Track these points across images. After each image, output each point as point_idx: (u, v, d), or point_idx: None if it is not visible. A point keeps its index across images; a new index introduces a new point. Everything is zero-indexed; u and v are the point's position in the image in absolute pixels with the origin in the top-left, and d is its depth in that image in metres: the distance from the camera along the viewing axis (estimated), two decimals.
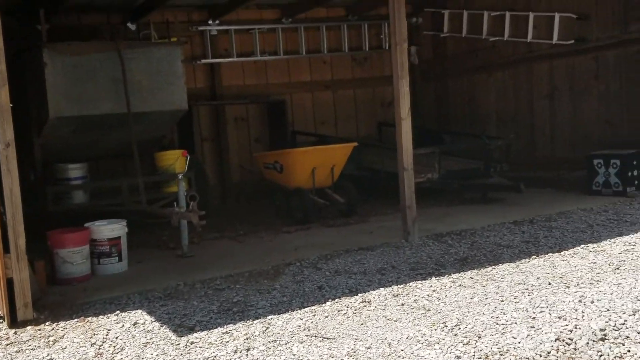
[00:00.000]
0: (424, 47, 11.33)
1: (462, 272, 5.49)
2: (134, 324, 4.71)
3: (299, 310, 4.84)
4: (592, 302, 4.40)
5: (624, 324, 4.01)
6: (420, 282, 5.34)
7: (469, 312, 4.50)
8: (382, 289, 5.22)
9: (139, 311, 4.99)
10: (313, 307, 4.89)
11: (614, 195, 7.98)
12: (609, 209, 7.39)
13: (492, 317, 4.34)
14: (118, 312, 5.01)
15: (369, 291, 5.19)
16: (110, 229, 5.94)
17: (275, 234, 7.58)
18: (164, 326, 4.62)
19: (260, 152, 9.48)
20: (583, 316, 4.19)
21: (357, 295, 5.12)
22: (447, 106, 11.11)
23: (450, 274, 5.47)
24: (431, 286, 5.20)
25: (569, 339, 3.79)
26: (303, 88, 10.73)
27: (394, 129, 6.91)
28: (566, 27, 8.84)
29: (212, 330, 4.48)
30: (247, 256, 6.56)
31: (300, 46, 10.40)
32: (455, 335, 4.05)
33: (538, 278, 5.13)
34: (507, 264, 5.66)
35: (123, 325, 4.71)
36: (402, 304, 4.83)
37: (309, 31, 10.48)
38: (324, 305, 4.93)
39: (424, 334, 4.10)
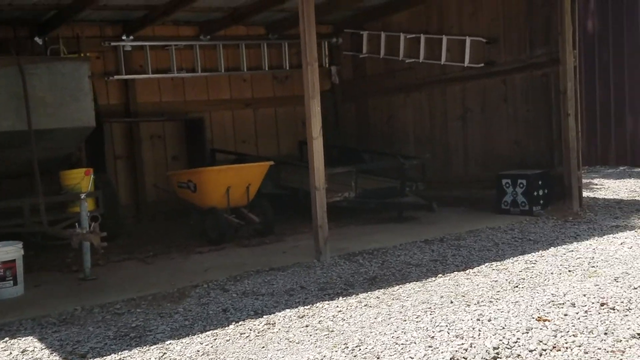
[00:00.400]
0: (344, 67, 11.46)
1: (369, 292, 5.50)
2: (22, 352, 4.47)
3: (200, 335, 4.72)
4: (490, 320, 4.48)
5: (516, 342, 4.09)
6: (327, 302, 5.31)
7: (371, 332, 4.50)
8: (288, 310, 5.16)
9: (30, 338, 4.74)
10: (215, 331, 4.78)
11: (521, 214, 8.22)
12: (515, 227, 7.60)
13: (393, 337, 4.35)
14: (7, 338, 4.74)
15: (274, 313, 5.12)
16: (5, 252, 5.65)
17: (187, 255, 7.41)
18: (54, 354, 4.40)
19: (178, 170, 9.30)
20: (479, 334, 4.25)
21: (262, 317, 5.04)
22: (367, 125, 11.24)
23: (357, 294, 5.46)
24: (337, 306, 5.18)
25: (463, 357, 3.83)
26: (223, 106, 10.63)
27: None
28: (477, 51, 9.11)
29: (105, 357, 4.30)
30: (154, 278, 6.37)
31: (219, 64, 10.31)
32: (355, 356, 4.03)
33: (442, 297, 5.19)
34: (414, 283, 5.71)
35: (11, 353, 4.46)
36: (307, 326, 4.78)
37: (228, 49, 10.41)
38: (226, 328, 4.82)
39: (324, 356, 4.06)
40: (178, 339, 4.63)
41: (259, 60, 10.72)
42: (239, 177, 7.94)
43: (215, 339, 4.60)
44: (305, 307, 5.22)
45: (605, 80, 12.18)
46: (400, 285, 5.65)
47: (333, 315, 4.97)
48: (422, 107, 10.20)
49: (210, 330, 4.80)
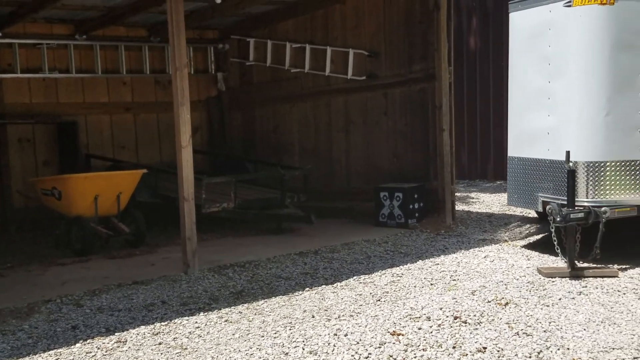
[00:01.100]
0: (231, 74, 11.27)
1: (233, 307, 5.33)
2: None
3: (42, 354, 4.39)
4: (346, 335, 4.43)
5: (368, 357, 4.06)
6: (187, 318, 5.10)
7: (225, 349, 4.34)
8: (143, 327, 4.91)
9: None
10: (60, 350, 4.46)
11: (397, 226, 8.33)
12: (389, 240, 7.67)
13: (247, 354, 4.21)
14: None
15: (128, 330, 4.85)
16: None
17: (47, 267, 6.96)
18: None
19: (48, 176, 8.76)
20: (333, 350, 4.20)
21: (113, 334, 4.76)
22: (253, 134, 11.09)
23: (220, 309, 5.28)
24: (197, 322, 4.98)
25: None
26: (100, 109, 10.15)
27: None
28: (360, 63, 9.19)
29: None
30: (4, 293, 5.91)
31: (96, 65, 9.84)
32: None
33: (305, 311, 5.11)
34: (281, 297, 5.60)
35: None
36: (160, 343, 4.55)
37: (107, 50, 9.97)
38: (72, 347, 4.51)
39: None
40: (18, 358, 4.29)
41: (140, 63, 10.33)
42: (108, 185, 7.56)
43: (57, 359, 4.29)
44: (163, 323, 4.98)
45: (485, 96, 12.66)
46: (266, 300, 5.52)
47: (190, 332, 4.77)
48: (307, 117, 10.17)
49: (55, 349, 4.48)
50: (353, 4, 9.24)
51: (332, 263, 6.72)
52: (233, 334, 4.67)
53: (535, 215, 8.29)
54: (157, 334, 4.76)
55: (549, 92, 6.17)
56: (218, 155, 10.91)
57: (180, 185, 6.38)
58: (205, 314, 5.18)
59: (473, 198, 10.77)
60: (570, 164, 5.66)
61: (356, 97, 9.42)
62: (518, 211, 9.07)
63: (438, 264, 6.45)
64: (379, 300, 5.33)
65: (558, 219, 5.55)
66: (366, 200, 8.99)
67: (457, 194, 10.90)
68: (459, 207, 9.81)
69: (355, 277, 6.09)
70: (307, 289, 5.79)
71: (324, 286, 5.86)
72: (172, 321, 5.03)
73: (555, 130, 6.13)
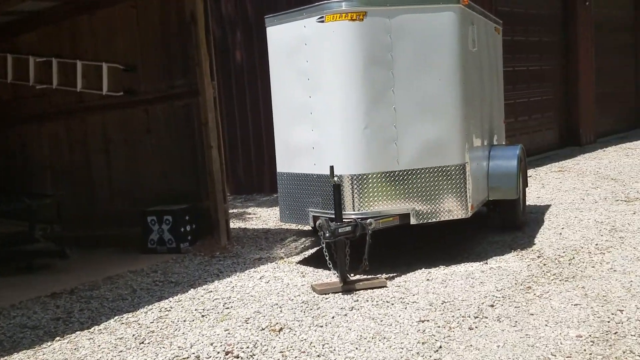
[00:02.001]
0: None
1: None
2: None
3: None
4: None
5: None
6: None
7: None
8: None
9: None
10: None
11: (169, 252, 7.76)
12: (159, 268, 7.07)
13: None
14: None
15: None
16: None
17: None
18: None
19: None
20: None
21: None
22: None
23: None
24: None
25: None
26: None
27: None
28: (116, 78, 8.46)
29: None
30: None
31: None
32: None
33: None
34: (25, 351, 4.76)
35: None
36: None
37: None
38: None
39: None
40: None
41: None
42: None
43: None
44: None
45: (256, 110, 12.55)
46: (6, 358, 4.64)
47: None
48: (59, 138, 9.15)
49: None
50: (103, 15, 8.47)
51: (91, 303, 5.95)
52: None
53: (311, 227, 8.26)
54: None
55: (310, 106, 6.09)
56: None
57: None
58: None
59: (250, 214, 10.54)
60: (335, 178, 5.61)
61: (115, 115, 8.65)
62: (294, 225, 9.00)
63: (211, 291, 6.02)
64: (142, 342, 4.75)
65: (327, 235, 5.45)
66: (134, 225, 8.26)
67: (234, 211, 10.62)
68: (236, 224, 9.50)
69: (117, 318, 5.42)
70: (58, 338, 5.00)
71: (78, 333, 5.11)
72: None
73: (320, 145, 6.06)
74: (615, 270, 5.57)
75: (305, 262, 6.87)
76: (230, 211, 10.34)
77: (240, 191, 12.67)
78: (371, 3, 5.75)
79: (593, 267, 5.75)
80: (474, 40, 6.47)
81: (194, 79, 7.91)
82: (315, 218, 6.16)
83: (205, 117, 7.88)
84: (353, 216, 5.90)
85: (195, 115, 8.04)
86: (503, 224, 7.44)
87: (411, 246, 7.08)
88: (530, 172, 11.72)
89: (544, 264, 5.96)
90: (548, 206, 8.65)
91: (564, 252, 6.31)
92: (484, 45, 7.08)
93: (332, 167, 5.54)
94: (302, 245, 7.71)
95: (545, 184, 10.40)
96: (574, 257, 6.09)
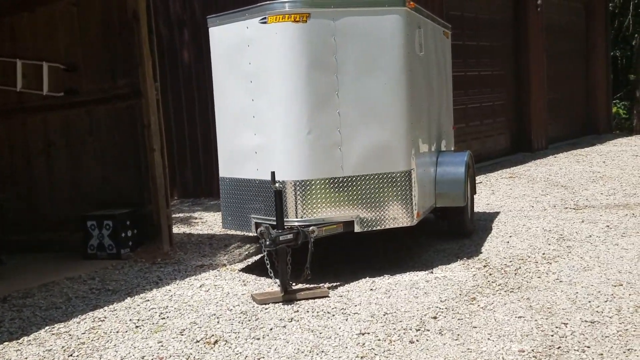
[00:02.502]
0: None
1: None
2: None
3: None
4: None
5: None
6: None
7: None
8: None
9: None
10: None
11: (109, 258, 7.49)
12: (97, 275, 6.81)
13: None
14: None
15: None
16: None
17: None
18: None
19: None
20: None
21: None
22: None
23: None
24: None
25: None
26: None
27: None
28: (56, 78, 8.15)
29: None
30: None
31: None
32: None
33: None
34: None
35: None
36: None
37: None
38: None
39: None
40: None
41: None
42: None
43: None
44: None
45: (204, 112, 12.28)
46: None
47: None
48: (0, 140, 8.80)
49: None
50: (44, 12, 8.15)
51: (23, 312, 5.67)
52: None
53: (254, 234, 8.10)
54: None
55: (253, 110, 5.93)
56: None
57: None
58: None
59: (196, 218, 10.30)
60: (277, 184, 5.46)
61: (56, 116, 8.33)
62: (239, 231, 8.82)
63: (148, 300, 5.80)
64: (71, 355, 4.53)
65: (267, 243, 5.30)
66: (75, 230, 7.98)
67: (180, 215, 10.38)
68: (181, 229, 9.27)
69: (48, 328, 5.17)
70: None
71: (7, 344, 4.86)
72: None
73: (263, 150, 5.91)
74: (561, 281, 5.56)
75: (248, 269, 6.70)
76: (176, 215, 10.13)
77: (188, 195, 12.40)
78: (315, 4, 5.63)
79: (539, 277, 5.73)
80: (421, 44, 6.41)
81: (136, 80, 7.67)
82: (257, 225, 6.00)
83: (147, 119, 7.64)
84: (296, 223, 5.77)
85: (139, 118, 7.79)
86: (451, 232, 7.41)
87: (357, 254, 6.98)
88: (481, 178, 11.79)
89: (490, 274, 5.92)
90: (497, 213, 8.67)
91: (510, 261, 6.30)
92: (432, 50, 7.03)
93: (273, 173, 5.40)
94: (247, 252, 7.53)
95: (495, 191, 10.45)
96: (520, 267, 6.07)
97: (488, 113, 14.21)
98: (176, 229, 8.81)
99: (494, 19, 14.42)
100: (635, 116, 23.78)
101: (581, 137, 18.22)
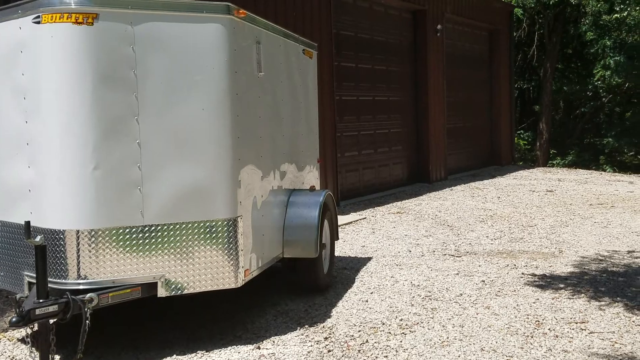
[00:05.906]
0: None
1: None
2: None
3: None
4: None
5: None
6: None
7: None
8: None
9: None
10: None
11: None
12: None
13: None
14: None
15: None
16: None
17: None
18: None
19: None
20: None
21: None
22: None
23: None
24: None
25: None
26: None
27: None
28: None
29: None
30: None
31: None
32: None
33: None
34: None
35: None
36: None
37: None
38: None
39: None
40: None
41: None
42: None
43: None
44: None
45: None
46: None
47: None
48: None
49: None
50: None
51: None
52: None
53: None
54: None
55: (27, 135, 4.53)
56: None
57: None
58: None
59: None
60: (38, 238, 4.08)
61: None
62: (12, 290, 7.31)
63: None
64: None
65: (14, 319, 3.90)
66: None
67: None
68: None
69: None
70: None
71: None
72: None
73: (37, 188, 4.51)
74: None
75: (33, 335, 5.22)
76: None
77: None
78: (107, 3, 4.33)
79: (385, 357, 4.59)
80: (260, 63, 5.21)
81: None
82: (31, 285, 4.59)
83: None
84: (81, 286, 4.39)
85: None
86: (303, 286, 6.21)
87: (171, 319, 5.59)
88: (366, 212, 10.74)
89: (329, 350, 4.73)
90: (369, 259, 7.55)
91: (359, 330, 5.14)
92: (282, 70, 5.85)
93: (28, 223, 3.99)
94: None
95: (376, 230, 9.38)
96: (367, 340, 4.91)
97: (382, 141, 13.24)
98: None
99: (391, 42, 13.51)
100: (537, 148, 23.68)
101: (483, 167, 17.63)
